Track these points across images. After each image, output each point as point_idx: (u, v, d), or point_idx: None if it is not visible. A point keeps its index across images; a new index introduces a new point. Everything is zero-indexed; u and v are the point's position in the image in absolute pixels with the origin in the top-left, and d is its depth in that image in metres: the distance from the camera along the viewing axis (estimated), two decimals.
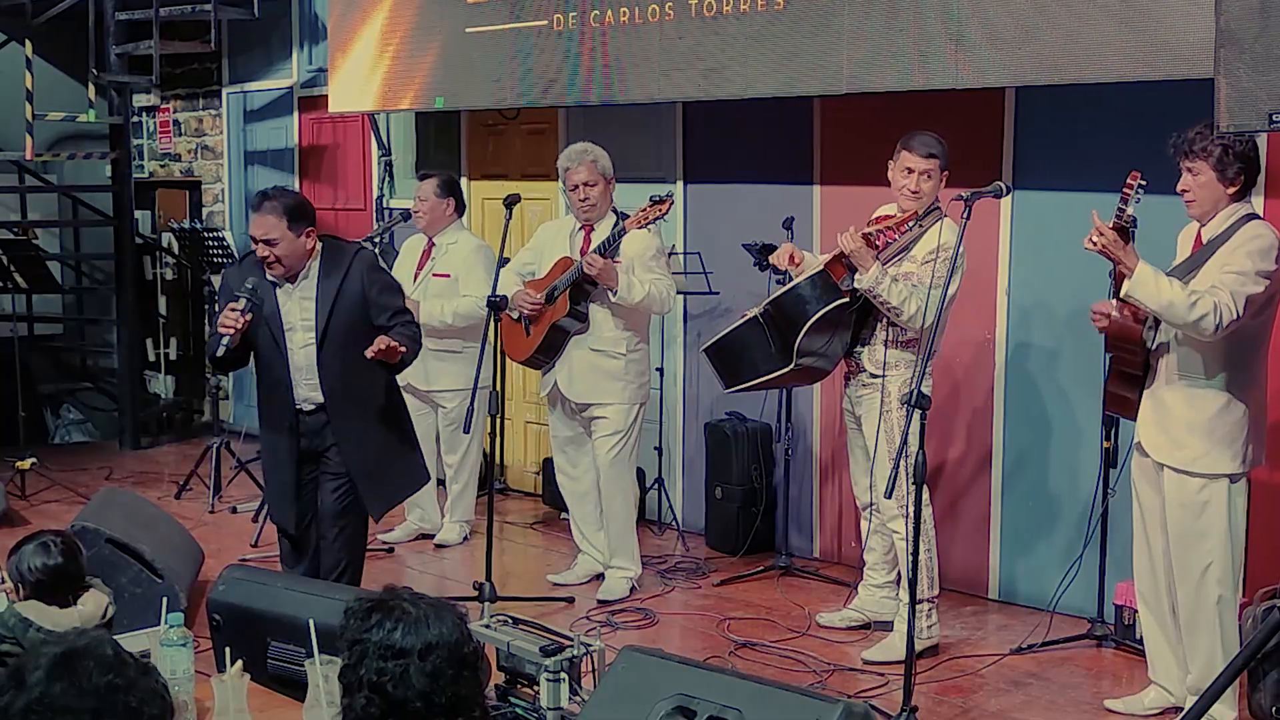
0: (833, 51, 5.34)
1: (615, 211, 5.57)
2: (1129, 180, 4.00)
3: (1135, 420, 4.30)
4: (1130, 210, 4.02)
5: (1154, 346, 4.19)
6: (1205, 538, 4.14)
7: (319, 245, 4.65)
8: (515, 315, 5.61)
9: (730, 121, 6.33)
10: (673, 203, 5.34)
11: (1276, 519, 4.78)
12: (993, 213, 5.40)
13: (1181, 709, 4.32)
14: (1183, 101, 4.45)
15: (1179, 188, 4.13)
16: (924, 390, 4.47)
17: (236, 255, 8.17)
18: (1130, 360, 4.25)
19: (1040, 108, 5.36)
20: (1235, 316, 3.93)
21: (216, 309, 4.80)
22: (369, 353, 4.47)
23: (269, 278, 4.60)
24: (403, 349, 4.54)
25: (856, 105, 5.71)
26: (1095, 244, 4.05)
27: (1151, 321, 4.17)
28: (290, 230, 4.52)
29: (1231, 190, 4.05)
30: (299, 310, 4.61)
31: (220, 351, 4.52)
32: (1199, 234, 4.17)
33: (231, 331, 4.47)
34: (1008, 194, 4.82)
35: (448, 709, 2.28)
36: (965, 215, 4.32)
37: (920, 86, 5.14)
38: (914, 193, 4.81)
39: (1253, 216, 4.10)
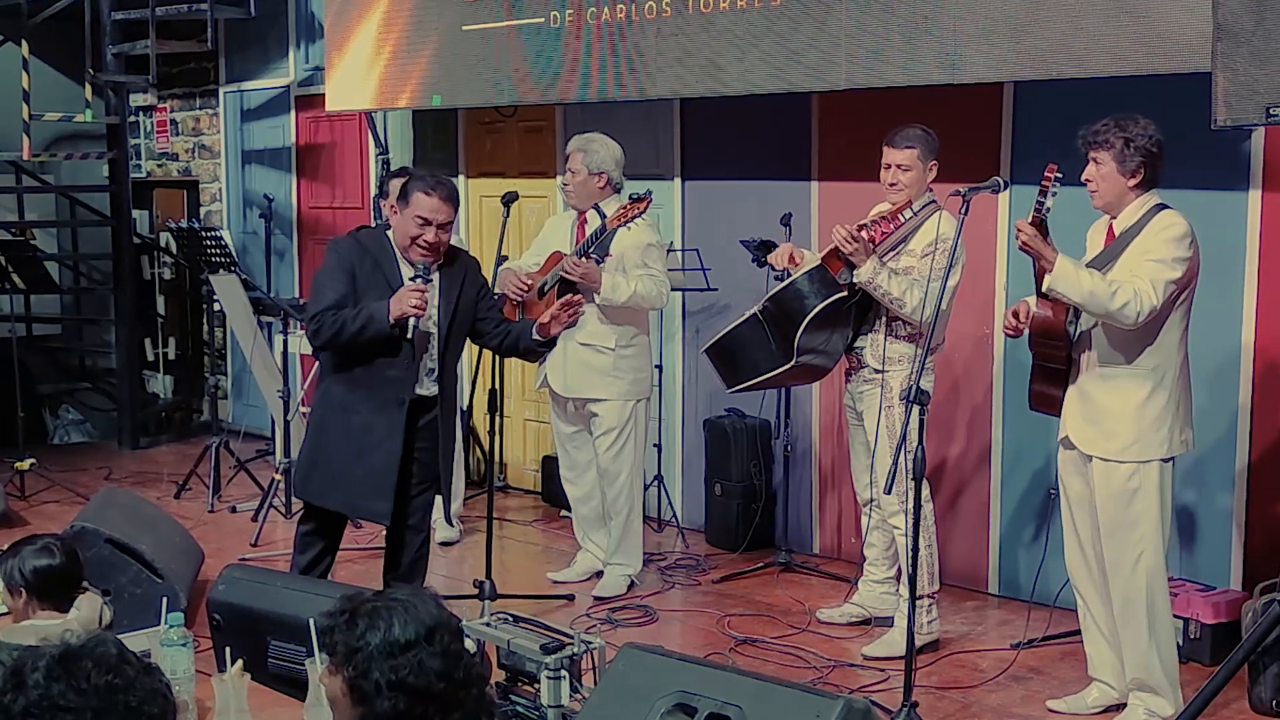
0: (831, 47, 5.34)
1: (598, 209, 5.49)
2: (1046, 173, 4.07)
3: (1060, 416, 4.34)
4: (1049, 203, 4.08)
5: (1076, 338, 4.23)
6: (1136, 526, 4.17)
7: None
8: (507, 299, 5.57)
9: (728, 118, 6.32)
10: (651, 200, 5.25)
11: (1275, 513, 4.78)
12: (990, 208, 5.40)
13: (1125, 705, 4.33)
14: (1179, 96, 4.45)
15: (1083, 177, 4.20)
16: (924, 386, 4.46)
17: (234, 254, 8.18)
18: (1054, 355, 4.29)
19: (1038, 103, 5.36)
20: (1156, 303, 4.00)
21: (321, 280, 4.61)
22: (554, 328, 4.61)
23: (409, 261, 4.53)
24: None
25: (855, 101, 5.70)
26: (1020, 241, 4.13)
27: (1073, 315, 4.22)
28: (453, 218, 4.60)
29: (1133, 182, 4.12)
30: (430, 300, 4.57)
31: (410, 334, 4.45)
32: (1110, 227, 4.23)
33: (422, 312, 4.42)
34: (1005, 189, 4.81)
35: (466, 681, 2.29)
36: (963, 210, 4.32)
37: (918, 82, 5.14)
38: (893, 185, 4.85)
39: (1163, 207, 4.15)
